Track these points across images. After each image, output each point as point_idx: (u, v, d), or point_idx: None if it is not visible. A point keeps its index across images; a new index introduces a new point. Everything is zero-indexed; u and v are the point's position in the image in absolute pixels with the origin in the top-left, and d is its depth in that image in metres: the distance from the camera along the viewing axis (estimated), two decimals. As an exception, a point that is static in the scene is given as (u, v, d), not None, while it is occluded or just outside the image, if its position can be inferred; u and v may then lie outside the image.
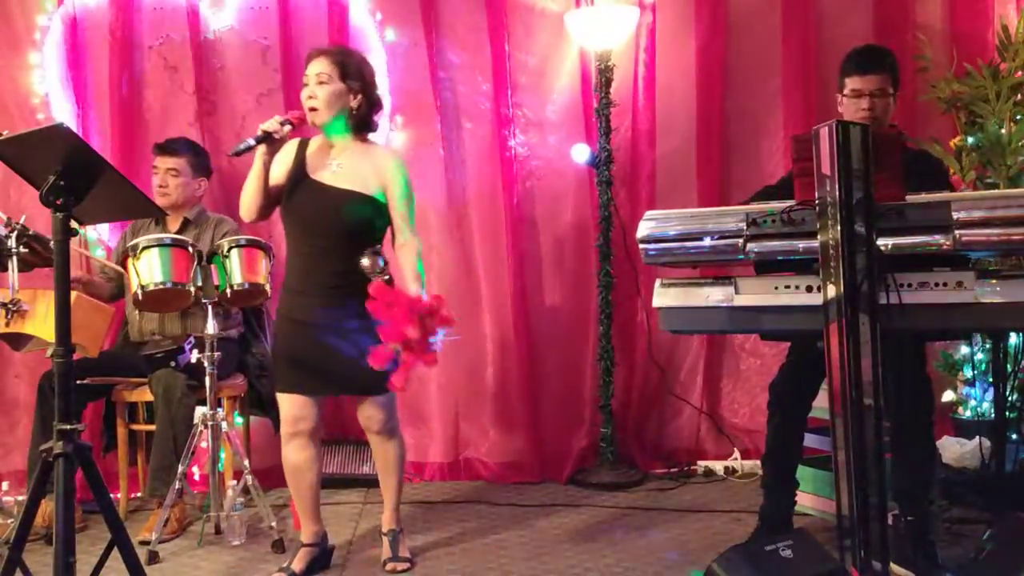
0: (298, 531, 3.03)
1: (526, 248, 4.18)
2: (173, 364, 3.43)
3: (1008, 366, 3.45)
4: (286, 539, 3.22)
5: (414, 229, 2.94)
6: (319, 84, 2.80)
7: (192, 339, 3.34)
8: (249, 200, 2.86)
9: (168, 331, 3.58)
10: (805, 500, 3.25)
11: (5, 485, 3.83)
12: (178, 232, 3.58)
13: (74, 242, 2.16)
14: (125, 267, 3.19)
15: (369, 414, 2.94)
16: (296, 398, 2.89)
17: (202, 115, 4.03)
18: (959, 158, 3.83)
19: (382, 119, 4.10)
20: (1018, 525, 2.40)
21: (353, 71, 2.86)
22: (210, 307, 3.18)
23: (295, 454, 2.94)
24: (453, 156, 4.15)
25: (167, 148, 3.67)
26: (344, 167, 2.85)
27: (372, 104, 2.92)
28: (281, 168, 2.90)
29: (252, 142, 2.73)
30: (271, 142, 2.77)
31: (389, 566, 2.97)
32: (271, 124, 2.75)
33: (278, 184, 2.89)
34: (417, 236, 2.95)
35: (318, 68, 2.81)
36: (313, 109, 2.80)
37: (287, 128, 2.77)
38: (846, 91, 2.97)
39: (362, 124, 2.91)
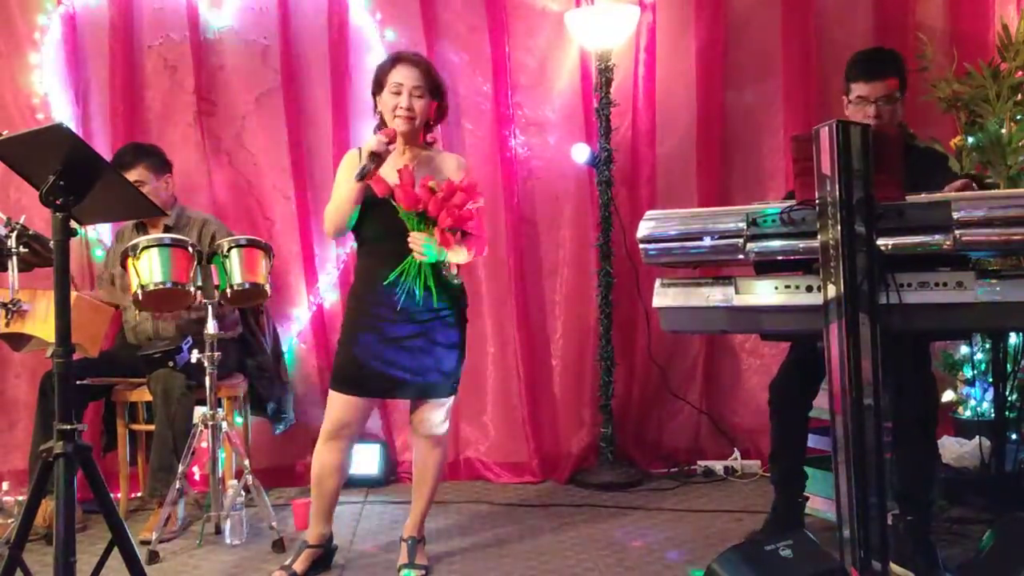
0: (299, 531, 3.02)
1: (526, 248, 4.18)
2: (171, 364, 3.42)
3: (1008, 366, 3.45)
4: (286, 539, 3.22)
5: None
6: (416, 97, 2.83)
7: (190, 339, 3.34)
8: (343, 218, 2.82)
9: (163, 333, 3.57)
10: (805, 500, 3.25)
11: (5, 485, 3.82)
12: None
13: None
14: (125, 268, 3.19)
15: (423, 417, 2.93)
16: (349, 401, 2.84)
17: (202, 115, 4.03)
18: (959, 158, 3.82)
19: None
20: (1018, 525, 2.40)
21: (441, 88, 2.93)
22: (210, 307, 3.19)
23: (330, 455, 2.89)
24: (453, 156, 4.15)
25: (121, 164, 3.49)
26: (417, 171, 2.85)
27: (442, 118, 3.01)
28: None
29: (371, 166, 2.73)
30: (379, 161, 2.77)
31: (404, 571, 2.93)
32: (377, 146, 2.74)
33: None
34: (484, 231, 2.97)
35: (416, 81, 2.83)
36: (411, 119, 2.83)
37: (391, 147, 2.78)
38: (852, 97, 2.91)
39: (426, 131, 2.97)
